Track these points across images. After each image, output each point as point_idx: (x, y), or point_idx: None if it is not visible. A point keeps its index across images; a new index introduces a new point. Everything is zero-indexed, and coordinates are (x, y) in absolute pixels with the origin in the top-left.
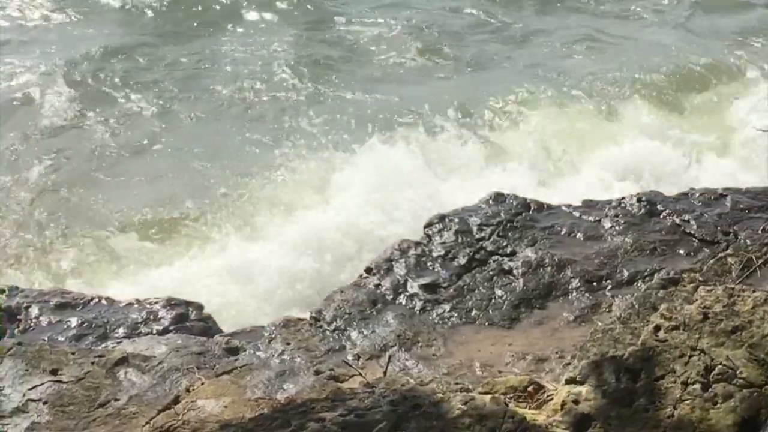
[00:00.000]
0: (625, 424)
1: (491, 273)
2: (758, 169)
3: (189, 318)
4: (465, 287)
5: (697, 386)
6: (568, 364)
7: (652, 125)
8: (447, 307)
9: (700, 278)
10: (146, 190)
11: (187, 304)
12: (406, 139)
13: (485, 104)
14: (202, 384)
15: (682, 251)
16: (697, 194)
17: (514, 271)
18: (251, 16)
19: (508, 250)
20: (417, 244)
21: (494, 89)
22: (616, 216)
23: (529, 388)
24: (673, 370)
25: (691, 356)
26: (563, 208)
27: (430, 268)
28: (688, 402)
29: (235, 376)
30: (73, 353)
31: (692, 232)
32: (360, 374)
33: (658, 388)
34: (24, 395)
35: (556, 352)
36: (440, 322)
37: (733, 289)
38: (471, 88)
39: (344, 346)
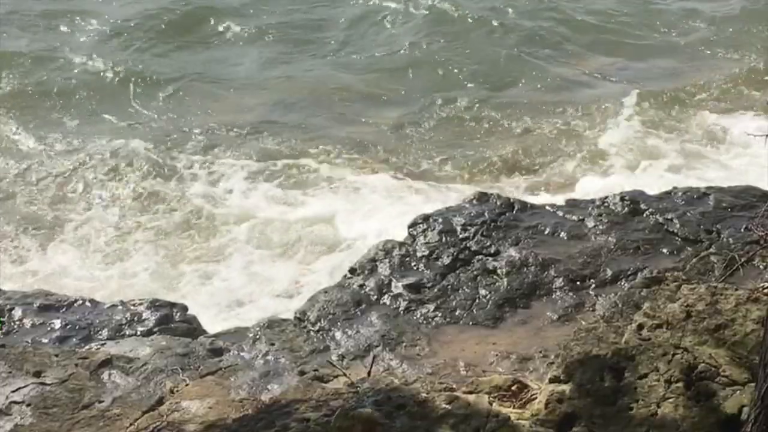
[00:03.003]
0: (609, 422)
1: (475, 273)
2: None
3: (173, 319)
4: (449, 287)
5: (680, 384)
6: (552, 363)
7: None
8: (431, 306)
9: (683, 277)
10: None
11: (171, 305)
12: None
13: None
14: (187, 385)
15: (665, 250)
16: (680, 193)
17: (498, 271)
18: None
19: (492, 249)
20: (401, 244)
21: None
22: (600, 215)
23: (513, 387)
24: (657, 369)
25: (674, 354)
26: (547, 207)
27: (414, 268)
28: (671, 400)
29: (219, 377)
30: (56, 355)
31: (675, 231)
32: (344, 374)
33: (642, 387)
34: (7, 397)
35: (540, 351)
36: (424, 321)
37: (715, 287)
38: None
39: (328, 346)
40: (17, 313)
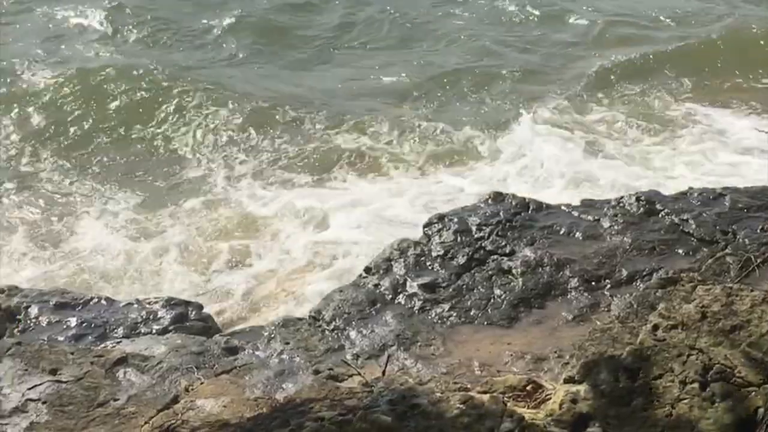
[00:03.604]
0: (624, 423)
1: (490, 272)
2: None
3: (188, 318)
4: (464, 287)
5: (695, 385)
6: (567, 363)
7: None
8: (446, 306)
9: (699, 278)
10: None
11: (187, 304)
12: None
13: None
14: (202, 384)
15: (680, 251)
16: (696, 193)
17: (513, 271)
18: None
19: (507, 249)
20: (416, 243)
21: None
22: (615, 215)
23: (528, 388)
24: (671, 369)
25: (689, 355)
26: (562, 207)
27: (430, 267)
28: (686, 401)
29: (234, 376)
30: (72, 353)
31: (691, 231)
32: (359, 374)
33: (656, 388)
34: (23, 395)
35: (555, 352)
36: (439, 321)
37: (731, 288)
38: None
39: (343, 345)
40: (33, 310)
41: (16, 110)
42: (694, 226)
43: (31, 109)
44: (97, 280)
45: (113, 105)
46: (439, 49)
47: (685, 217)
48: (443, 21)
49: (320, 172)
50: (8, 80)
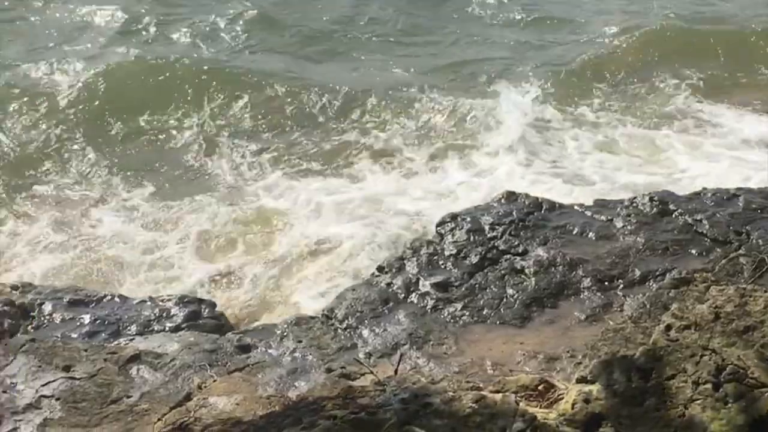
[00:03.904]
0: (636, 423)
1: (503, 272)
2: None
3: (201, 315)
4: (477, 286)
5: (708, 386)
6: (580, 363)
7: None
8: (459, 305)
9: (712, 278)
10: None
11: (200, 301)
12: None
13: None
14: (214, 381)
15: (694, 251)
16: (710, 194)
17: (526, 270)
18: None
19: (520, 249)
20: (429, 242)
21: None
22: (628, 215)
23: (540, 387)
24: (684, 370)
25: (702, 356)
26: (575, 207)
27: (442, 266)
28: (699, 402)
29: (246, 374)
30: (85, 350)
31: (704, 231)
32: (371, 372)
33: (669, 388)
34: (37, 391)
35: (568, 351)
36: (452, 320)
37: (744, 289)
38: None
39: (356, 344)
40: (47, 307)
41: (35, 103)
42: (707, 227)
43: (49, 102)
44: (113, 269)
45: (130, 96)
46: (448, 42)
47: (698, 218)
48: (453, 14)
49: (332, 164)
50: (25, 74)
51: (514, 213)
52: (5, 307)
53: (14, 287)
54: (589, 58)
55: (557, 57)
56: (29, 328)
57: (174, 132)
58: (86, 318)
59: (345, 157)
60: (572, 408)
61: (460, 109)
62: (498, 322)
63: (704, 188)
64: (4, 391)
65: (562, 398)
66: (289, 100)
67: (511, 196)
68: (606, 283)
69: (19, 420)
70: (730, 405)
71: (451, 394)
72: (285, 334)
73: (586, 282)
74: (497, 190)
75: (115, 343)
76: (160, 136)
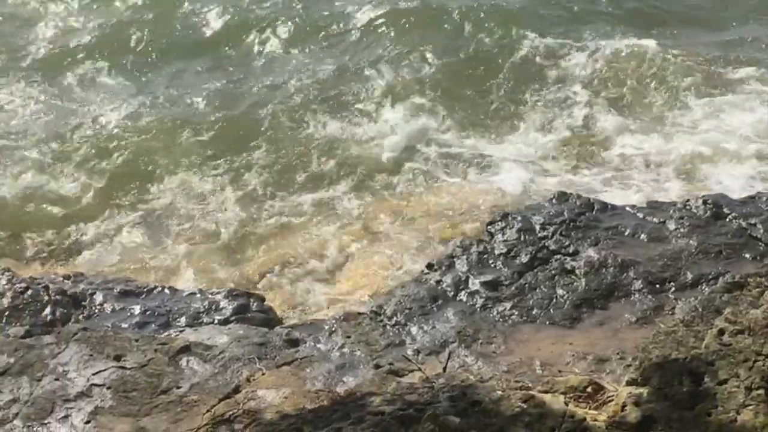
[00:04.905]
0: (687, 427)
1: (553, 272)
2: None
3: (250, 309)
4: (526, 285)
5: (761, 391)
6: (629, 365)
7: None
8: (508, 305)
9: (766, 283)
10: None
11: (248, 295)
12: None
13: None
14: (263, 374)
15: (747, 255)
16: (765, 198)
17: (577, 271)
18: None
19: (571, 249)
20: (479, 241)
21: None
22: (681, 218)
23: (589, 389)
24: (737, 375)
25: (755, 361)
26: (627, 208)
27: (492, 265)
28: (751, 407)
29: (295, 368)
30: (136, 340)
31: (759, 236)
32: (419, 369)
33: (721, 393)
34: (88, 380)
35: (617, 353)
36: (501, 319)
37: None
38: None
39: (404, 341)
40: (98, 297)
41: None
42: (762, 231)
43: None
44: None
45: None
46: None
47: (752, 221)
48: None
49: (357, 172)
50: None
51: (565, 213)
52: (57, 296)
53: (66, 277)
54: None
55: None
56: (81, 317)
57: None
58: (136, 309)
59: (371, 165)
60: (622, 410)
61: None
62: (547, 323)
63: (759, 192)
64: (57, 379)
65: (612, 400)
66: (305, 107)
67: (562, 196)
68: (657, 286)
69: (71, 408)
70: None
71: (499, 393)
72: (334, 329)
73: (637, 284)
74: None
75: (165, 334)
76: None
